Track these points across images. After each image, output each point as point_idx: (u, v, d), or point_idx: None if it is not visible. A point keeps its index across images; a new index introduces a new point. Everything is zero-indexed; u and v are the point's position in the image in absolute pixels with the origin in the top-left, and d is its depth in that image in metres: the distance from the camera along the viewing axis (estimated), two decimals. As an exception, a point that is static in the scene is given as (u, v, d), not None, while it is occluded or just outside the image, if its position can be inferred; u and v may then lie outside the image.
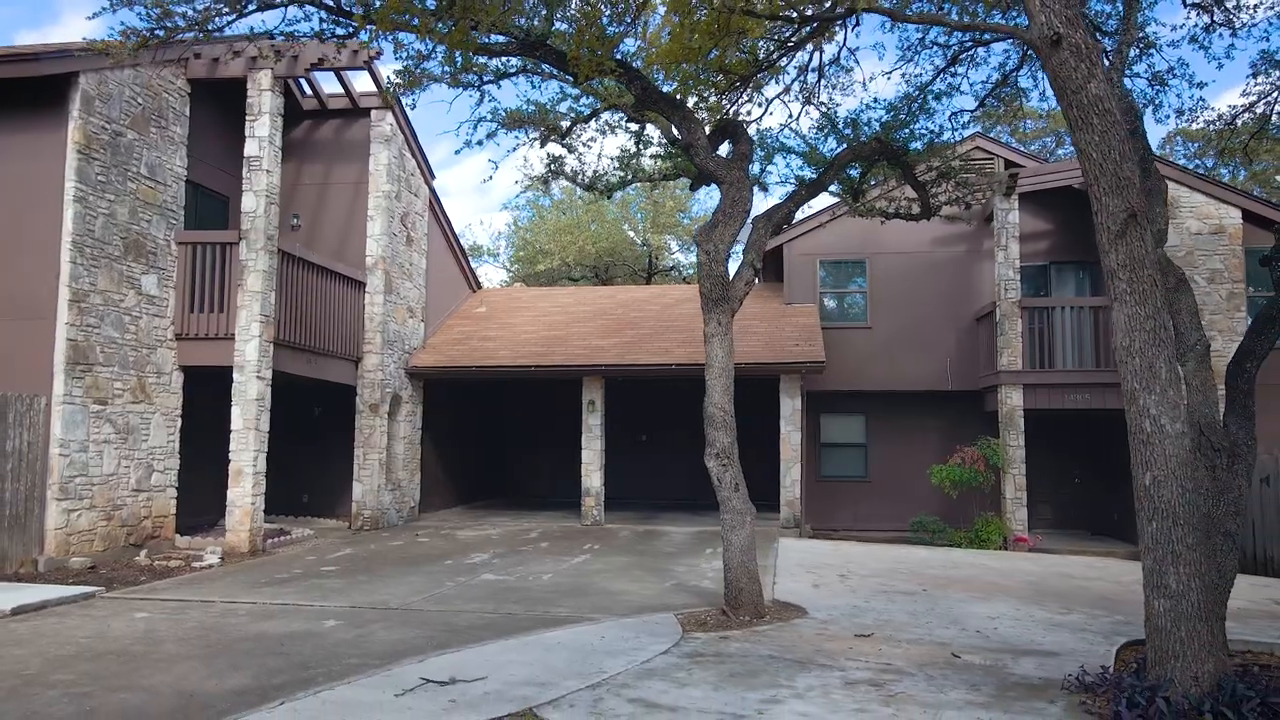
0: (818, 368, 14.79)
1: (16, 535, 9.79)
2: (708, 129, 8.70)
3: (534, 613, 8.17)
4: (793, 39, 8.35)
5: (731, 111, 9.88)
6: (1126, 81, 11.51)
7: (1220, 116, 12.05)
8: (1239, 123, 11.99)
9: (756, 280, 8.29)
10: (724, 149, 9.03)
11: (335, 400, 14.95)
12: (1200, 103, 11.31)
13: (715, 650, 6.79)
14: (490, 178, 23.23)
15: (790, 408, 15.09)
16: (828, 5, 7.42)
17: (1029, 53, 10.94)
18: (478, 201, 64.13)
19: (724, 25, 7.64)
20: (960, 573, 11.24)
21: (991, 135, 16.91)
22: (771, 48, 8.68)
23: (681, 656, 6.57)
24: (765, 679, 5.97)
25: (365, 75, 14.24)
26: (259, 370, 11.78)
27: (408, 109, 14.98)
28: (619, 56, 8.18)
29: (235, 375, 11.80)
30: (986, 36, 9.83)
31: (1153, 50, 11.07)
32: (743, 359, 14.99)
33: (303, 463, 15.36)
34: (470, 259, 28.40)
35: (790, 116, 10.85)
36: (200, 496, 12.84)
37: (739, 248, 8.81)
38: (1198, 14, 10.48)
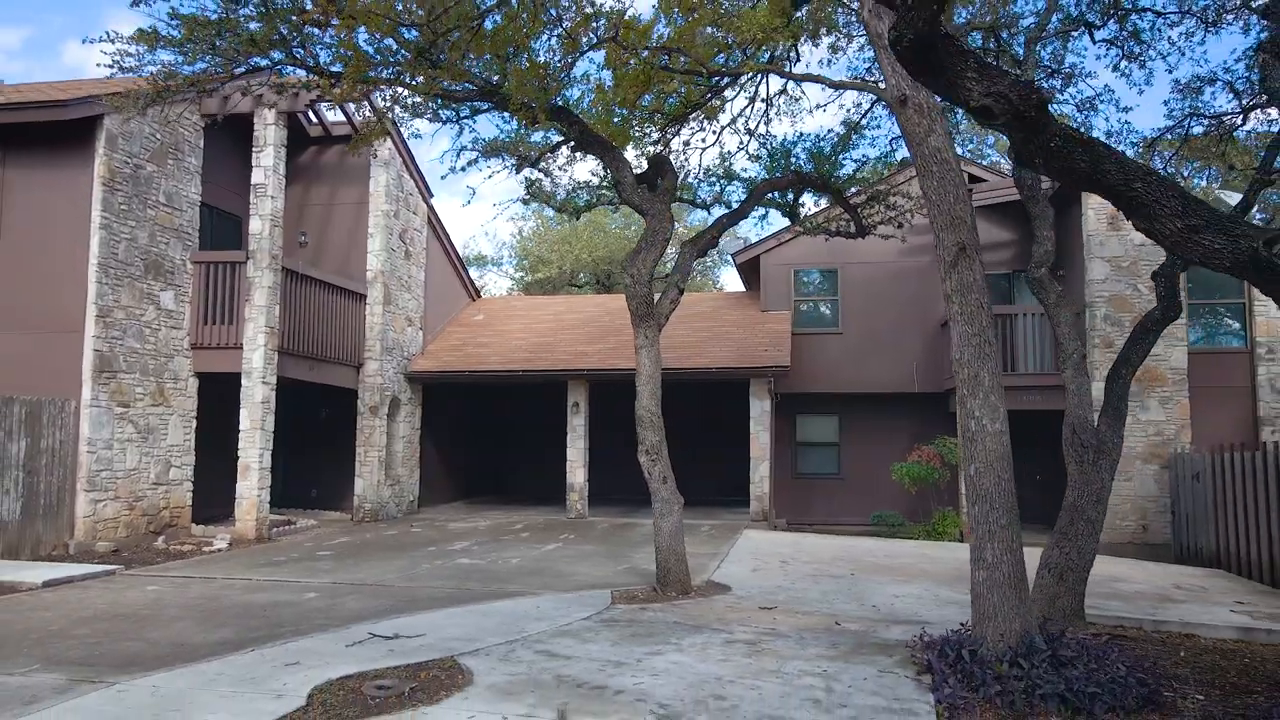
0: (782, 372, 15.85)
1: (50, 522, 11.19)
2: (644, 163, 9.85)
3: (488, 588, 9.37)
4: (719, 85, 9.48)
5: (675, 144, 11.02)
6: (1054, 109, 12.52)
7: (1145, 138, 12.99)
8: (1166, 139, 12.92)
9: (680, 298, 9.36)
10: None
11: (341, 403, 16.28)
12: (1126, 125, 12.30)
13: (630, 618, 7.93)
14: (468, 202, 25.06)
15: (759, 409, 16.16)
16: (724, 63, 8.56)
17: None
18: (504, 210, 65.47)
19: (649, 78, 8.79)
20: (897, 561, 12.26)
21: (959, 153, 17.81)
22: (703, 91, 9.80)
23: (597, 621, 7.73)
24: (658, 638, 7.11)
25: (364, 104, 15.54)
26: (264, 376, 13.11)
27: (407, 137, 16.31)
28: (560, 102, 9.33)
29: (243, 381, 13.15)
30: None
31: (1076, 79, 12.12)
32: (715, 364, 16.17)
33: (312, 460, 16.73)
34: (476, 267, 29.76)
35: (741, 144, 11.95)
36: (217, 490, 14.18)
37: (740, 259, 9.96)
38: (1106, 49, 11.47)
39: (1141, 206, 4.19)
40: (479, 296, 21.54)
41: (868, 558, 12.39)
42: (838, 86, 8.05)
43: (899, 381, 17.83)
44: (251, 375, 13.11)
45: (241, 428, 13.12)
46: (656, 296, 9.37)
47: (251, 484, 12.96)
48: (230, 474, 13.45)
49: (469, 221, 59.73)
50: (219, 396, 14.01)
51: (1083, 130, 12.49)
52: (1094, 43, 11.21)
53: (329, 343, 14.97)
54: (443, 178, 13.30)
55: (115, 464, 11.96)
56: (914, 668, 6.36)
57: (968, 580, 10.97)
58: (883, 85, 7.17)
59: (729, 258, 24.54)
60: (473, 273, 31.17)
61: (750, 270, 19.52)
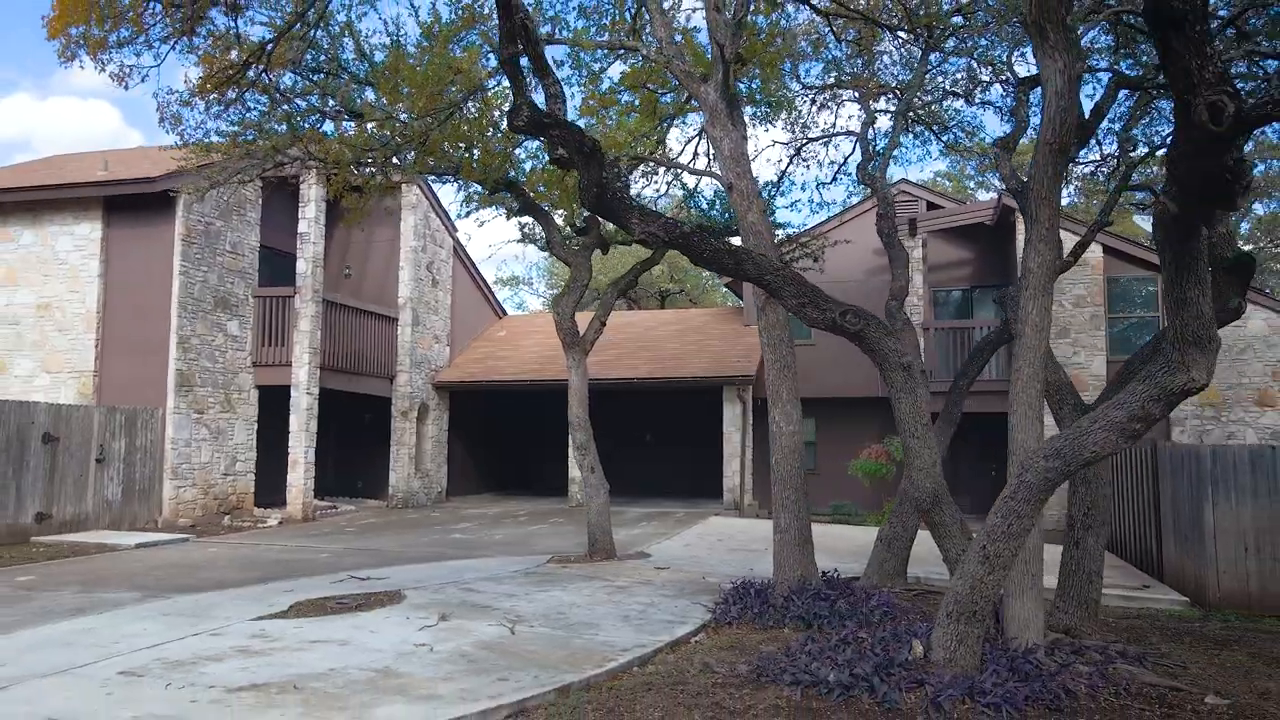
0: (747, 380, 18.22)
1: (143, 502, 14.48)
2: (582, 219, 12.48)
3: (459, 552, 12.13)
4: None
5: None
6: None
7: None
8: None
9: (603, 329, 11.92)
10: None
11: (381, 409, 19.38)
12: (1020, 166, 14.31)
13: (548, 572, 10.56)
14: (468, 242, 28.03)
15: (731, 412, 18.57)
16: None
17: (855, 144, 14.27)
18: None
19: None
20: (821, 541, 14.48)
21: (919, 181, 19.84)
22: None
23: (521, 573, 10.38)
24: (554, 583, 9.71)
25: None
26: (308, 388, 16.23)
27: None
28: (511, 175, 12.04)
29: (292, 392, 16.29)
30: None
31: (981, 134, 14.25)
32: (691, 373, 18.64)
33: (357, 456, 19.89)
34: (510, 287, 32.66)
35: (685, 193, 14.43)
36: (278, 480, 17.39)
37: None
38: (1000, 116, 13.55)
39: (773, 290, 6.62)
40: (504, 315, 24.47)
41: (796, 538, 14.65)
42: (693, 173, 10.53)
43: (866, 387, 19.92)
44: (298, 387, 16.24)
45: (291, 430, 16.26)
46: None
47: (299, 475, 16.08)
48: (287, 467, 16.59)
49: (503, 247, 63.39)
50: (277, 404, 17.21)
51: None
52: (971, 105, 13.33)
53: (365, 359, 18.06)
54: (452, 219, 15.98)
55: (193, 458, 15.21)
56: (718, 603, 8.80)
57: (860, 555, 13.21)
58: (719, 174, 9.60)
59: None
60: (508, 291, 34.24)
61: (737, 286, 21.88)
